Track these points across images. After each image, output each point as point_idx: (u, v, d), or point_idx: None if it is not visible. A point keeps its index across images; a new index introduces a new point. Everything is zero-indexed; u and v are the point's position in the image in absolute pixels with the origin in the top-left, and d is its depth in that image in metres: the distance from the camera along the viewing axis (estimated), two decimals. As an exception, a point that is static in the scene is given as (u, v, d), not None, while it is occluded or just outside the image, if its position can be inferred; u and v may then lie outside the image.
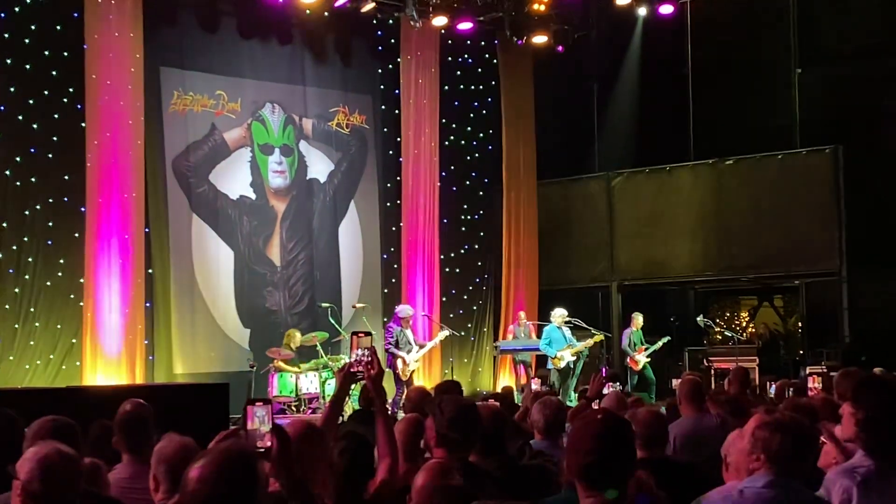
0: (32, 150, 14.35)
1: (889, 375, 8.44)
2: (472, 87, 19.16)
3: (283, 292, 16.77)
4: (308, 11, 16.64)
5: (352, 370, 4.43)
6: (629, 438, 3.28)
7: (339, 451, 4.27)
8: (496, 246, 19.15)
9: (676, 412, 7.35)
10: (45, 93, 14.42)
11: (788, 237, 17.41)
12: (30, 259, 14.26)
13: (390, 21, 17.69)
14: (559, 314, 15.95)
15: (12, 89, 14.22)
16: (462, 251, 18.93)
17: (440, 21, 17.28)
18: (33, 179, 14.31)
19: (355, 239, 17.80)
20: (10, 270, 14.11)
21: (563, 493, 3.78)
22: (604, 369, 14.99)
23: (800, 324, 20.02)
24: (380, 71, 18.21)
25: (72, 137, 14.38)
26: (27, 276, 14.22)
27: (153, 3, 15.05)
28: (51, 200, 14.44)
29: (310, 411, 14.57)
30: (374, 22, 17.65)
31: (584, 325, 16.37)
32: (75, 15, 14.49)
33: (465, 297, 18.92)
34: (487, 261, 19.27)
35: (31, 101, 14.32)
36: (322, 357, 15.31)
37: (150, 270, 15.15)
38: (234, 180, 16.46)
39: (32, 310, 14.21)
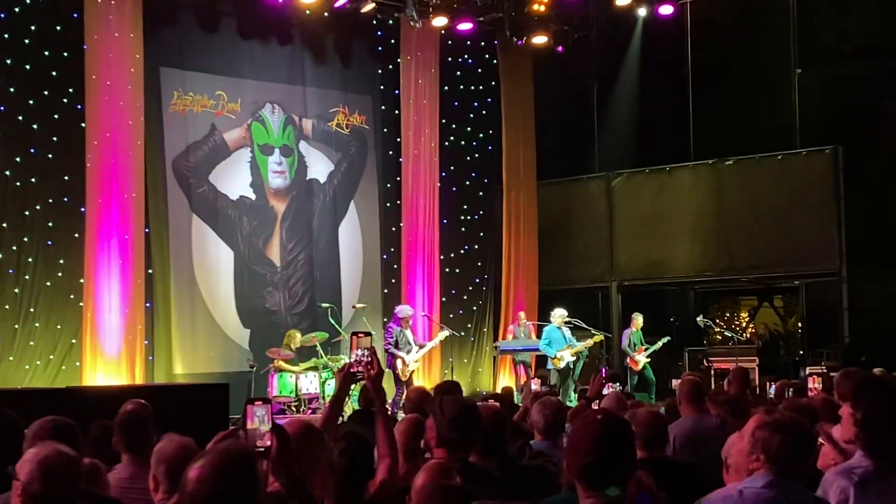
0: (32, 151, 14.35)
1: (889, 376, 8.44)
2: (472, 88, 19.17)
3: (283, 292, 16.77)
4: (308, 12, 16.64)
5: (351, 370, 4.43)
6: (629, 439, 3.28)
7: (339, 451, 4.27)
8: (496, 246, 19.15)
9: (675, 412, 7.35)
10: (45, 93, 14.43)
11: (788, 237, 17.40)
12: (30, 259, 14.26)
13: (390, 21, 17.70)
14: (559, 314, 15.94)
15: (12, 90, 14.22)
16: (462, 251, 18.93)
17: (440, 21, 17.28)
18: (33, 180, 14.31)
19: (355, 239, 17.80)
20: (10, 271, 14.12)
21: (562, 494, 3.78)
22: (603, 370, 14.98)
23: (800, 324, 20.02)
24: (380, 71, 18.21)
25: (72, 138, 14.38)
26: (27, 277, 14.22)
27: (153, 3, 15.05)
28: (51, 201, 14.44)
29: (309, 411, 14.57)
30: (374, 22, 17.65)
31: (584, 326, 16.38)
32: (75, 15, 14.49)
33: (465, 297, 18.92)
34: (487, 261, 19.27)
35: (30, 102, 14.32)
36: (322, 357, 15.31)
37: (149, 271, 15.15)
38: (234, 181, 16.46)
39: (32, 310, 14.22)
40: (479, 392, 17.40)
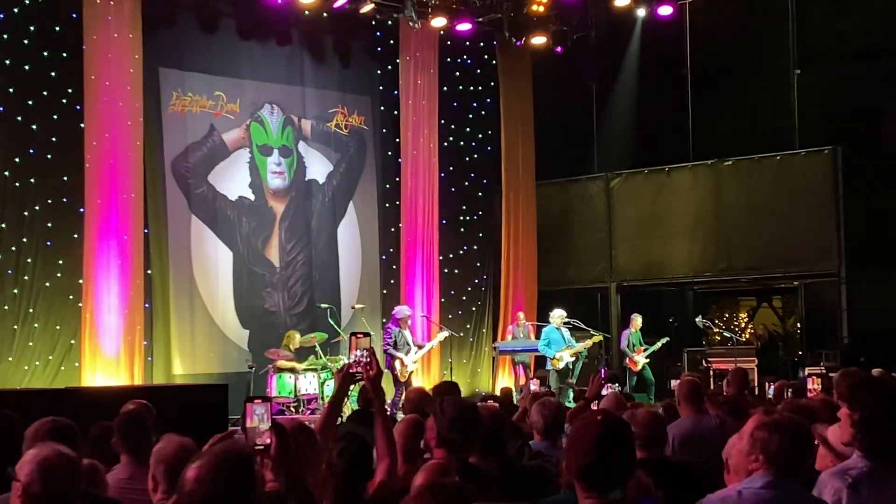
0: (31, 151, 14.36)
1: (888, 376, 8.45)
2: (471, 88, 19.17)
3: (282, 293, 16.77)
4: (307, 12, 16.65)
5: (350, 371, 4.43)
6: (629, 439, 3.28)
7: (338, 451, 4.27)
8: (495, 247, 19.15)
9: (673, 413, 7.35)
10: (44, 93, 14.43)
11: (787, 238, 17.40)
12: (29, 260, 14.26)
13: (389, 22, 17.70)
14: (558, 315, 15.95)
15: (11, 90, 14.22)
16: (461, 252, 18.93)
17: (439, 22, 17.28)
18: (32, 180, 14.31)
19: (354, 240, 17.80)
20: (10, 271, 14.12)
21: (562, 494, 3.78)
22: (603, 370, 14.99)
23: (798, 324, 20.03)
24: (379, 72, 18.21)
25: (71, 138, 14.38)
26: (26, 277, 14.22)
27: (152, 3, 15.05)
28: (50, 201, 14.44)
29: (308, 412, 14.56)
30: (373, 23, 17.66)
31: (583, 326, 16.39)
32: (74, 16, 14.50)
33: (464, 297, 18.92)
34: (486, 261, 19.27)
35: (30, 102, 14.32)
36: (321, 358, 15.31)
37: (148, 271, 15.15)
38: (232, 181, 16.46)
39: (31, 311, 14.22)
40: (477, 392, 17.40)
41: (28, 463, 3.47)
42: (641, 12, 18.33)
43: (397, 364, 14.68)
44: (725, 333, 18.17)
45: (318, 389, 14.95)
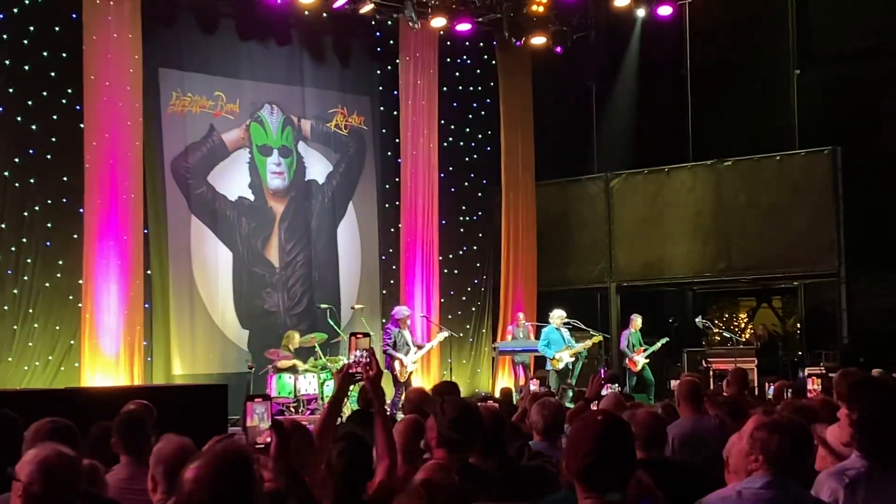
0: (31, 152, 14.36)
1: (887, 376, 8.44)
2: (471, 88, 19.17)
3: (282, 293, 16.77)
4: (307, 12, 16.65)
5: (350, 371, 4.43)
6: (629, 439, 3.27)
7: (338, 452, 4.27)
8: (495, 247, 19.14)
9: (672, 413, 7.35)
10: (44, 94, 14.43)
11: (787, 238, 17.40)
12: (28, 260, 14.26)
13: (389, 22, 17.70)
14: (558, 315, 15.95)
15: (11, 90, 14.22)
16: (461, 252, 18.93)
17: (439, 22, 17.29)
18: (32, 180, 14.31)
19: (354, 240, 17.80)
20: (9, 272, 14.12)
21: (561, 493, 3.78)
22: (602, 370, 15.01)
23: (798, 325, 20.03)
24: (378, 72, 18.21)
25: (70, 138, 14.38)
26: (26, 278, 14.22)
27: (152, 4, 15.05)
28: (49, 202, 14.44)
29: (308, 412, 14.57)
30: (373, 23, 17.67)
31: (583, 327, 16.40)
32: (74, 16, 14.49)
33: (464, 298, 18.92)
34: (486, 262, 19.27)
35: (29, 102, 14.33)
36: (321, 358, 15.31)
37: (148, 272, 15.15)
38: (232, 181, 16.46)
39: (31, 311, 14.22)
40: (477, 393, 17.40)
41: (28, 463, 3.47)
42: (641, 12, 18.31)
43: (396, 364, 14.68)
44: (725, 334, 18.18)
45: (318, 390, 14.95)
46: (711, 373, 16.45)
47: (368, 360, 4.37)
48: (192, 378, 15.28)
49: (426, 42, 17.89)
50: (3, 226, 14.14)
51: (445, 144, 18.44)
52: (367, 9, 16.64)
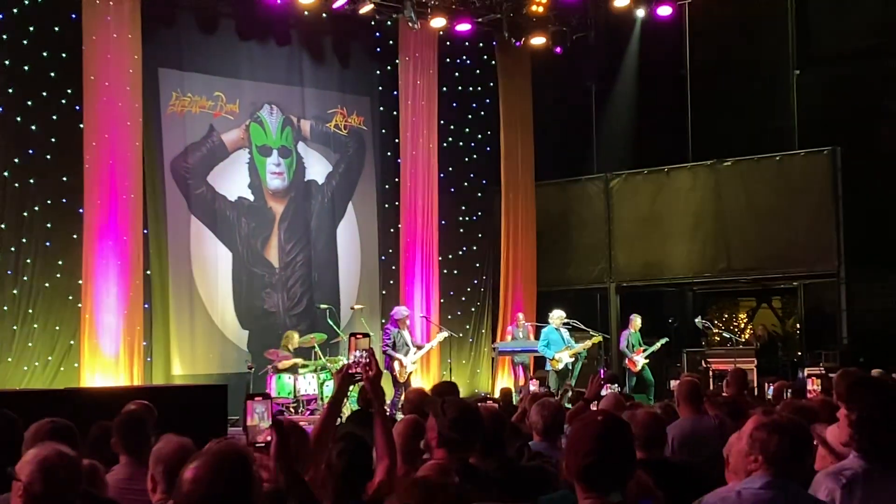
0: (31, 152, 14.36)
1: (887, 377, 8.44)
2: (471, 89, 19.17)
3: (282, 294, 16.77)
4: (306, 13, 16.65)
5: (350, 371, 4.43)
6: (629, 440, 3.27)
7: (338, 452, 4.27)
8: (495, 247, 19.14)
9: (672, 413, 7.35)
10: (44, 94, 14.43)
11: (786, 238, 17.40)
12: (28, 260, 14.26)
13: (388, 22, 17.70)
14: (557, 316, 15.95)
15: (11, 90, 14.22)
16: (460, 252, 18.93)
17: (438, 22, 17.29)
18: (31, 181, 14.31)
19: (353, 240, 17.80)
20: (9, 272, 14.12)
21: (559, 492, 3.79)
22: (602, 371, 15.01)
23: (798, 325, 20.03)
24: (378, 72, 18.21)
25: (70, 139, 14.38)
26: (25, 278, 14.22)
27: (151, 4, 15.05)
28: (49, 202, 14.44)
29: (308, 412, 14.57)
30: (373, 23, 17.67)
31: (583, 327, 16.40)
32: (73, 16, 14.49)
33: (464, 298, 18.92)
34: (486, 262, 19.28)
35: (29, 103, 14.33)
36: (320, 358, 15.31)
37: (148, 272, 15.15)
38: (232, 182, 16.46)
39: (31, 311, 14.22)
40: (477, 393, 17.40)
41: (29, 463, 3.47)
42: (641, 13, 18.29)
43: (396, 365, 14.68)
44: (725, 334, 18.18)
45: (318, 390, 14.95)
46: (711, 373, 16.44)
47: (368, 360, 4.37)
48: (191, 378, 15.28)
49: (426, 42, 17.89)
50: (2, 226, 14.14)
51: (445, 145, 18.44)
52: (366, 9, 16.64)
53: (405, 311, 15.47)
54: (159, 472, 4.20)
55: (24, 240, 14.24)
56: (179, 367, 15.49)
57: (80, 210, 14.37)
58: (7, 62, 14.26)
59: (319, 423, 4.51)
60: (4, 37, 14.23)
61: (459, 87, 18.92)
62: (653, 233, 18.82)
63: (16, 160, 14.23)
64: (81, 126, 14.41)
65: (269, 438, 3.63)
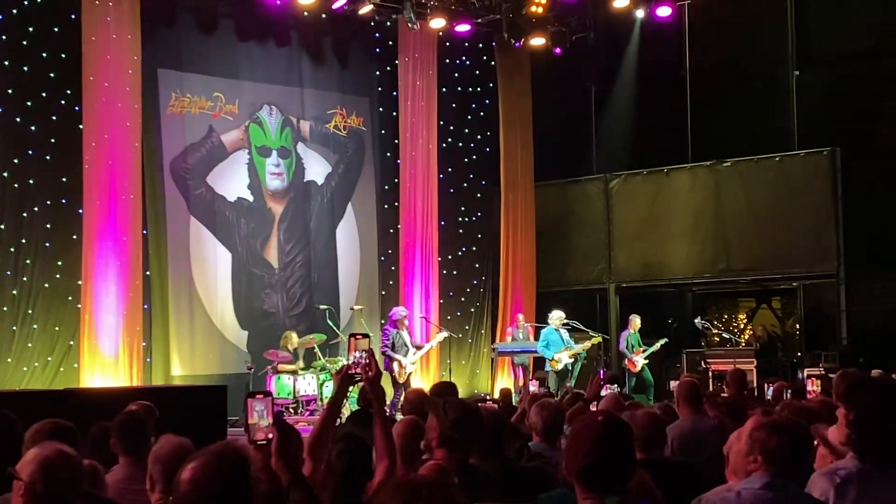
0: (30, 152, 14.36)
1: (887, 377, 8.45)
2: (470, 89, 19.16)
3: (281, 294, 16.76)
4: (306, 13, 16.66)
5: (350, 372, 4.43)
6: (629, 440, 3.27)
7: (338, 452, 4.27)
8: (494, 248, 19.14)
9: (672, 414, 7.35)
10: (43, 94, 14.44)
11: (786, 239, 17.40)
12: (28, 261, 14.25)
13: (388, 23, 17.70)
14: (557, 316, 15.95)
15: (10, 91, 14.23)
16: (460, 253, 18.93)
17: (438, 23, 17.29)
18: (31, 181, 14.32)
19: (353, 241, 17.80)
20: (8, 272, 14.13)
21: (558, 490, 3.79)
22: (602, 371, 15.00)
23: (798, 326, 20.02)
24: (377, 73, 18.21)
25: (70, 139, 14.38)
26: (25, 279, 14.22)
27: (151, 5, 15.04)
28: (48, 202, 14.45)
29: (307, 413, 14.57)
30: (372, 24, 17.67)
31: (582, 328, 16.39)
32: (73, 17, 14.48)
33: (463, 298, 18.92)
34: (485, 263, 19.27)
35: (28, 103, 14.33)
36: (320, 359, 15.31)
37: (147, 272, 15.15)
38: (231, 182, 16.46)
39: (30, 312, 14.22)
40: (476, 393, 17.40)
41: (30, 462, 3.48)
42: (640, 13, 18.27)
43: (395, 366, 14.67)
44: (724, 335, 18.17)
45: (317, 391, 14.95)
46: (710, 374, 16.43)
47: (368, 360, 4.37)
48: (191, 379, 15.28)
49: (425, 43, 17.88)
50: (2, 226, 14.15)
51: (444, 145, 18.44)
52: (366, 10, 16.64)
53: (403, 312, 15.46)
54: (158, 471, 4.19)
55: (23, 240, 14.24)
56: (179, 368, 15.49)
57: (80, 210, 14.37)
58: (6, 63, 14.25)
59: (319, 424, 4.50)
60: (4, 37, 14.23)
61: (459, 88, 18.92)
62: (652, 233, 18.82)
63: (15, 161, 14.23)
64: (81, 127, 14.41)
65: (270, 436, 3.63)
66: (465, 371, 18.31)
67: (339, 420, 6.12)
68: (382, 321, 16.91)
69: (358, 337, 4.44)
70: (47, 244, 14.43)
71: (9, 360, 13.96)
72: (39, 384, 13.86)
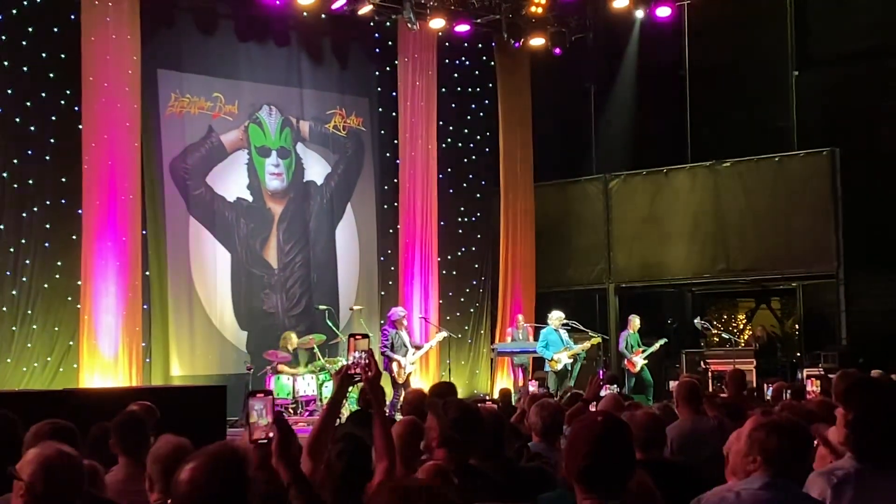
0: (30, 153, 14.36)
1: (886, 378, 8.45)
2: (470, 90, 19.16)
3: (281, 294, 16.76)
4: (305, 14, 16.66)
5: (349, 372, 4.43)
6: (628, 440, 3.27)
7: (337, 453, 4.27)
8: (493, 248, 19.14)
9: (671, 414, 7.35)
10: (43, 95, 14.44)
11: (786, 239, 17.40)
12: (27, 261, 14.26)
13: (387, 23, 17.70)
14: (556, 316, 15.96)
15: (10, 91, 14.23)
16: (459, 253, 18.92)
17: (437, 23, 17.28)
18: (31, 182, 14.32)
19: (352, 241, 17.79)
20: (8, 273, 14.13)
21: (557, 491, 3.79)
22: (601, 372, 15.00)
23: (797, 326, 20.01)
24: (377, 73, 18.20)
25: (69, 140, 14.38)
26: (24, 279, 14.22)
27: (150, 5, 15.04)
28: (48, 203, 14.45)
29: (307, 413, 14.57)
30: (372, 24, 17.66)
31: (582, 328, 16.40)
32: (72, 17, 14.48)
33: (463, 299, 18.92)
34: (485, 263, 19.27)
35: (28, 104, 14.33)
36: (319, 359, 15.31)
37: (147, 273, 15.15)
38: (231, 182, 16.46)
39: (30, 312, 14.22)
40: (476, 394, 17.40)
41: (31, 462, 3.47)
42: (640, 14, 18.27)
43: (394, 366, 14.68)
44: (724, 335, 18.18)
45: (317, 391, 14.95)
46: (710, 374, 16.44)
47: (367, 361, 4.37)
48: (190, 379, 15.28)
49: (425, 43, 17.88)
50: (1, 227, 14.15)
51: (444, 145, 18.44)
52: (365, 10, 16.64)
53: (402, 312, 15.47)
54: (156, 471, 4.19)
55: (23, 241, 14.25)
56: (178, 368, 15.49)
57: (79, 211, 14.37)
58: (6, 63, 14.26)
59: (319, 424, 4.50)
60: (3, 38, 14.23)
61: (458, 88, 18.92)
62: (652, 234, 18.82)
63: (15, 161, 14.24)
64: (80, 127, 14.41)
65: (271, 434, 3.63)
66: (464, 371, 18.31)
67: (338, 420, 6.12)
68: (382, 321, 16.90)
69: (357, 337, 4.44)
70: (47, 244, 14.43)
71: (8, 360, 13.96)
72: (39, 384, 13.86)
